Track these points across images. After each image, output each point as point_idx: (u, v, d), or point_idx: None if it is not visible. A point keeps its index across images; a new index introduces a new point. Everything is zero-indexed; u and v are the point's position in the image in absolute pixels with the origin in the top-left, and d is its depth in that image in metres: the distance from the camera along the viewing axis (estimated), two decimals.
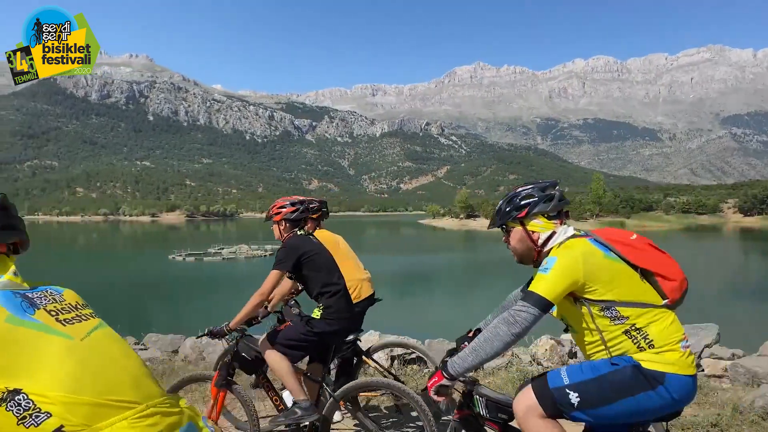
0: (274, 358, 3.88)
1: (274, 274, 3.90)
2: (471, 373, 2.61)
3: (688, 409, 4.94)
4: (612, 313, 2.35)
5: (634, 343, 2.31)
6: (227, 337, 4.10)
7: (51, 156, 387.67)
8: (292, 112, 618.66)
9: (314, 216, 5.25)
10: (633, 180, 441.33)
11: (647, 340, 2.30)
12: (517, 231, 2.67)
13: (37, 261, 70.53)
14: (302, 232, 4.21)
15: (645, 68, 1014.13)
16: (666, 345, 2.29)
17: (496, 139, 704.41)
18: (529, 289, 2.42)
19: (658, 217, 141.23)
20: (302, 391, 3.88)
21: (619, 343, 2.34)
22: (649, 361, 2.27)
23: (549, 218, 2.65)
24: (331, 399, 3.88)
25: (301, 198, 4.32)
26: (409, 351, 7.35)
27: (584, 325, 2.42)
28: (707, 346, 6.42)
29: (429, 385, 2.54)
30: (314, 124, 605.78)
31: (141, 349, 8.62)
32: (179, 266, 58.19)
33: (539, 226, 2.63)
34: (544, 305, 2.34)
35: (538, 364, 6.92)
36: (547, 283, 2.36)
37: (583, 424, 2.45)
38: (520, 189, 2.71)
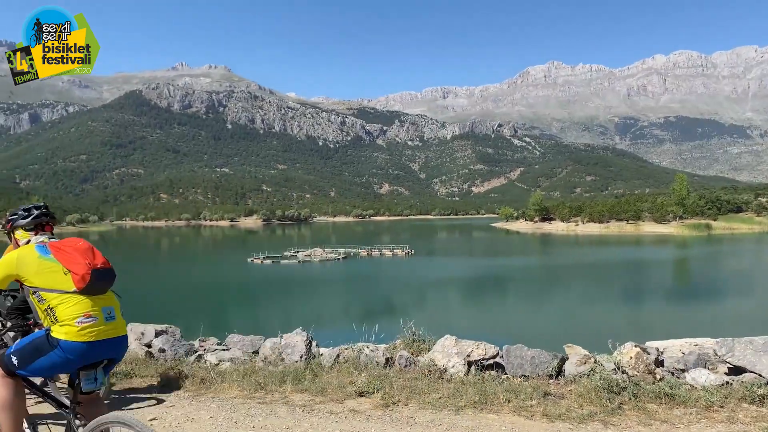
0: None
1: None
2: None
3: None
4: (38, 297, 3.31)
5: (50, 319, 3.26)
6: None
7: (137, 164, 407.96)
8: (363, 117, 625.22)
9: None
10: (720, 180, 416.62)
11: (54, 316, 3.24)
12: (12, 238, 3.83)
13: (128, 264, 74.53)
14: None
15: (732, 62, 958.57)
16: (65, 320, 3.20)
17: (572, 140, 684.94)
18: None
19: (749, 219, 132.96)
20: None
21: (44, 318, 3.30)
22: (55, 332, 3.20)
23: (27, 230, 3.74)
24: None
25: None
26: (486, 357, 7.24)
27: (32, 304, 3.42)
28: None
29: None
30: (385, 128, 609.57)
31: (223, 350, 8.91)
32: (258, 269, 59.95)
33: (21, 235, 3.75)
34: None
35: (623, 372, 6.64)
36: None
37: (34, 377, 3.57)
38: (13, 210, 3.87)
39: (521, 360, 7.00)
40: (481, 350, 7.16)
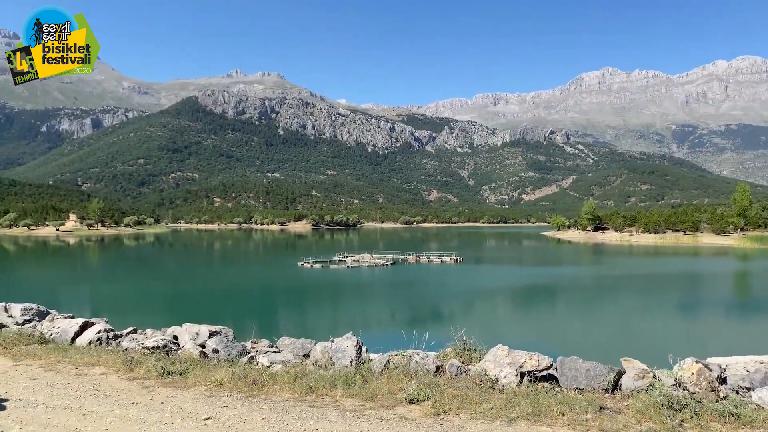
0: None
1: None
2: None
3: None
4: None
5: None
6: None
7: (192, 168, 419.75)
8: (412, 123, 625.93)
9: None
10: None
11: None
12: None
13: (182, 265, 76.63)
14: None
15: None
16: None
17: (627, 148, 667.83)
18: None
19: None
20: None
21: None
22: None
23: None
24: None
25: None
26: (539, 368, 7.09)
27: None
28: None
29: None
30: (434, 135, 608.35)
31: (274, 352, 9.03)
32: (307, 273, 60.62)
33: None
34: None
35: (684, 388, 6.39)
36: None
37: None
38: None
39: (576, 372, 6.84)
40: (534, 361, 7.03)
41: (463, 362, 7.55)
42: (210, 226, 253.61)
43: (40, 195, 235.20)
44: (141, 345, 8.92)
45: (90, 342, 9.09)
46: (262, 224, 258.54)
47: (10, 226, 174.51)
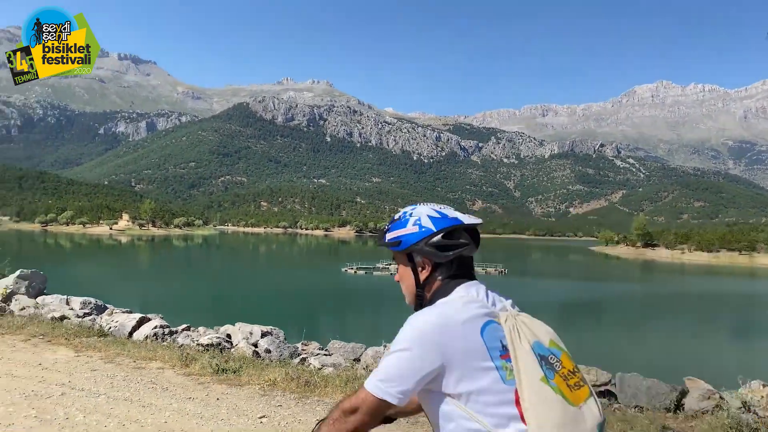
0: None
1: None
2: None
3: None
4: None
5: None
6: None
7: (241, 173, 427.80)
8: (458, 133, 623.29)
9: None
10: None
11: None
12: None
13: (229, 266, 78.07)
14: None
15: None
16: None
17: (680, 163, 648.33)
18: None
19: None
20: None
21: None
22: None
23: None
24: None
25: None
26: (597, 383, 6.89)
27: None
28: None
29: None
30: (480, 145, 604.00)
31: (325, 355, 9.07)
32: (351, 278, 60.95)
33: None
34: None
35: (753, 412, 6.10)
36: None
37: None
38: None
39: (636, 390, 6.64)
40: (591, 376, 6.85)
41: None
42: (256, 230, 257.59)
43: (96, 194, 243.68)
44: (196, 342, 9.08)
45: (146, 337, 9.30)
46: (306, 229, 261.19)
47: (67, 224, 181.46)
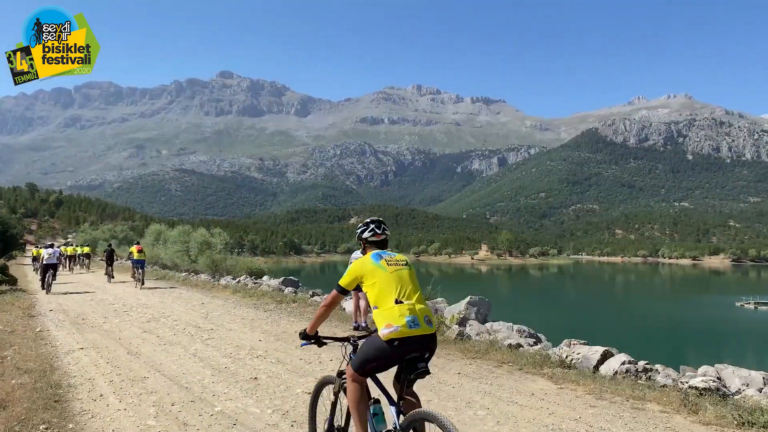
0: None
1: None
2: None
3: None
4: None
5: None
6: None
7: (592, 200, 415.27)
8: None
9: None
10: None
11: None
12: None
13: (596, 295, 74.47)
14: None
15: None
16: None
17: None
18: None
19: None
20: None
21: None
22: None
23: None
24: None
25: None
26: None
27: None
28: None
29: None
30: None
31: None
32: (751, 315, 51.39)
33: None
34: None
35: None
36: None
37: None
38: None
39: None
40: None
41: None
42: (612, 259, 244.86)
43: (456, 227, 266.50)
44: (685, 384, 7.03)
45: (616, 372, 7.60)
46: (670, 258, 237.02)
47: (435, 254, 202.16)
